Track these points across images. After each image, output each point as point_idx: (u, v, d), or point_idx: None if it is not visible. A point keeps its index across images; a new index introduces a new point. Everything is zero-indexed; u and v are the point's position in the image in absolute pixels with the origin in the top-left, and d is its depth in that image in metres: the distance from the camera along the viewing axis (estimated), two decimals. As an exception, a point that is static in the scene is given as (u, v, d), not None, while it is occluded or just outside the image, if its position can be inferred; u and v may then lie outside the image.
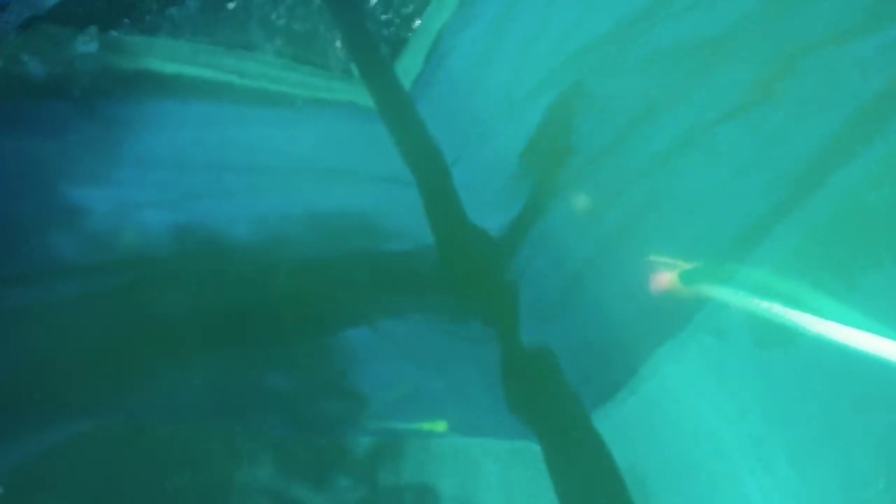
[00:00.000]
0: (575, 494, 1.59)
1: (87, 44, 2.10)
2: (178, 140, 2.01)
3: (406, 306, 1.82)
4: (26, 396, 1.67)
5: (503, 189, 1.90)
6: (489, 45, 2.12)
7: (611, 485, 1.58)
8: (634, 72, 2.03)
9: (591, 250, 1.84)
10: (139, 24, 2.14)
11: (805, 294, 1.69)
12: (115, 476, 1.62)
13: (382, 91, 2.07)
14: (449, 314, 1.81)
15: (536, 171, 1.92)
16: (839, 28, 1.99)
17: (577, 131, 1.97)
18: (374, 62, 2.13)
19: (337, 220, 1.91)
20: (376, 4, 2.17)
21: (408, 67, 2.10)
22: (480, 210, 1.89)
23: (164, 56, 2.11)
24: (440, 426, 1.67)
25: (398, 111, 2.04)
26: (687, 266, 1.76)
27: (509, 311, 1.78)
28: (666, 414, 1.63)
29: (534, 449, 1.62)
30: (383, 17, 2.16)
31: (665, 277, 1.76)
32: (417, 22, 2.15)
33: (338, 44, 2.16)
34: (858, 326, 1.64)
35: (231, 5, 2.17)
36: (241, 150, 2.00)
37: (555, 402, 1.68)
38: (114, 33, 2.12)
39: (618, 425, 1.63)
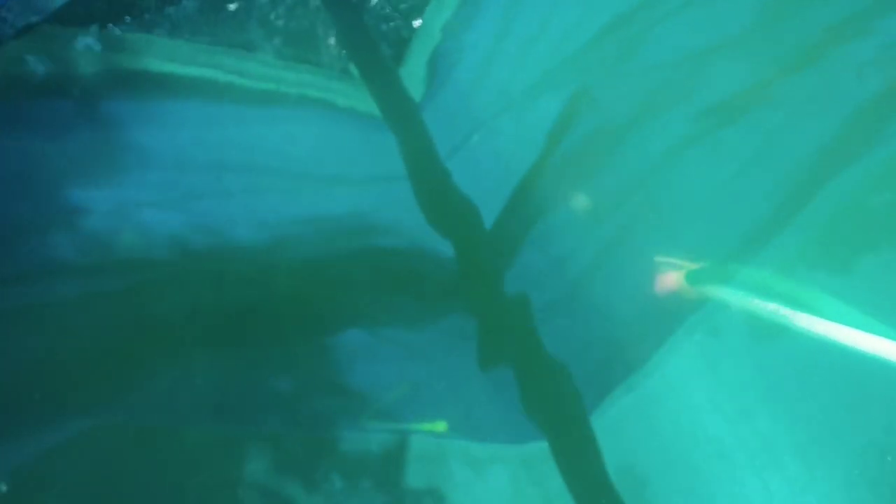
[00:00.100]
0: (576, 493, 1.59)
1: (87, 44, 2.10)
2: (178, 140, 2.01)
3: (406, 307, 1.82)
4: (26, 396, 1.67)
5: (503, 189, 1.90)
6: (490, 46, 2.12)
7: (611, 483, 1.58)
8: (635, 72, 2.03)
9: (592, 250, 1.84)
10: (139, 24, 2.14)
11: (805, 294, 1.70)
12: (115, 476, 1.62)
13: (382, 91, 2.07)
14: (449, 314, 1.81)
15: (537, 172, 1.92)
16: (839, 29, 2.00)
17: (578, 131, 1.97)
18: (373, 62, 2.13)
19: (337, 220, 1.92)
20: (376, 4, 2.17)
21: (408, 67, 2.10)
22: (480, 210, 1.89)
23: (164, 56, 2.11)
24: (440, 426, 1.67)
25: (398, 111, 2.04)
26: (687, 266, 1.76)
27: (509, 312, 1.78)
28: (666, 413, 1.63)
29: (534, 448, 1.62)
30: (383, 17, 2.16)
31: (665, 278, 1.76)
32: (418, 22, 2.15)
33: (337, 44, 2.16)
34: (859, 326, 1.64)
35: (232, 6, 2.17)
36: (241, 150, 2.00)
37: (555, 401, 1.68)
38: (114, 33, 2.12)
39: (618, 424, 1.63)
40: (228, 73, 2.10)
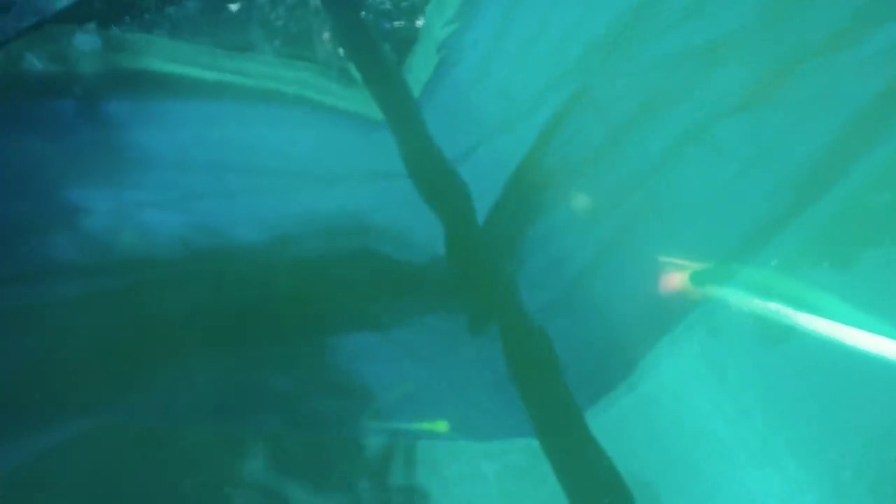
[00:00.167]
0: (576, 493, 1.59)
1: (87, 44, 2.10)
2: (179, 140, 2.01)
3: (406, 306, 1.82)
4: (26, 396, 1.67)
5: (504, 189, 1.90)
6: (490, 45, 2.12)
7: (611, 483, 1.58)
8: (636, 73, 2.03)
9: (592, 251, 1.84)
10: (140, 25, 2.14)
11: (807, 293, 1.70)
12: (115, 476, 1.62)
13: (383, 91, 2.07)
14: (449, 314, 1.81)
15: (537, 172, 1.92)
16: (839, 29, 2.00)
17: (579, 132, 1.97)
18: (374, 62, 2.13)
19: (337, 219, 1.91)
20: (377, 5, 2.17)
21: (408, 68, 2.10)
22: (481, 210, 1.89)
23: (165, 56, 2.11)
24: (440, 426, 1.66)
25: (398, 111, 2.04)
26: (687, 266, 1.76)
27: (509, 311, 1.78)
28: (666, 413, 1.63)
29: (534, 448, 1.62)
30: (384, 17, 2.17)
31: (665, 278, 1.76)
32: (418, 22, 2.15)
33: (338, 44, 2.16)
34: (861, 325, 1.64)
35: (232, 6, 2.17)
36: (242, 151, 2.00)
37: (555, 401, 1.68)
38: (115, 33, 2.12)
39: (618, 425, 1.63)
40: (229, 73, 2.10)
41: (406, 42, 2.13)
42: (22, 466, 1.61)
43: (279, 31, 2.17)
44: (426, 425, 1.66)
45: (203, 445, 1.65)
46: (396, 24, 2.16)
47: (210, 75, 2.09)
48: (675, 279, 1.75)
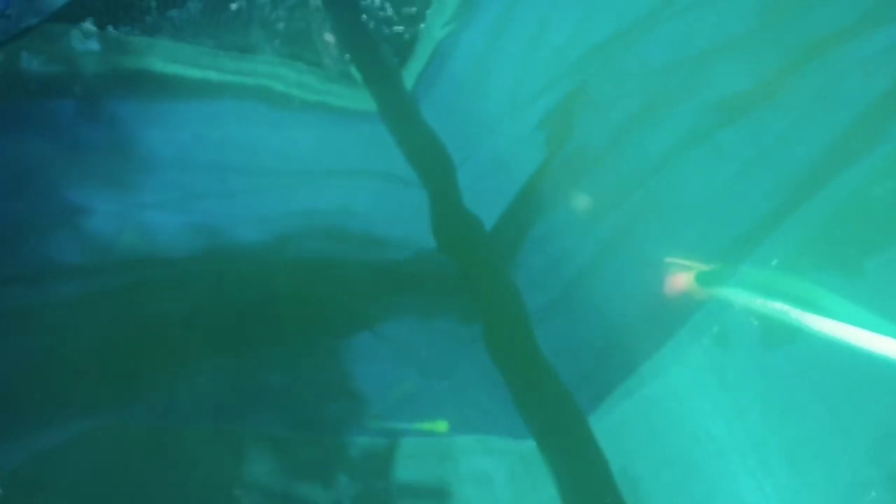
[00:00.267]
0: (575, 493, 1.59)
1: (88, 44, 2.10)
2: (180, 140, 2.01)
3: (406, 307, 1.82)
4: (26, 396, 1.68)
5: (503, 189, 1.90)
6: (491, 46, 2.12)
7: (612, 484, 1.58)
8: (636, 73, 2.03)
9: (592, 251, 1.83)
10: (140, 25, 2.14)
11: (809, 292, 1.69)
12: (115, 476, 1.62)
13: (383, 92, 2.08)
14: (449, 314, 1.81)
15: (537, 172, 1.92)
16: (841, 29, 1.99)
17: (579, 132, 1.97)
18: (374, 63, 2.13)
19: (338, 220, 1.91)
20: (377, 6, 2.18)
21: (409, 68, 2.10)
22: (481, 210, 1.89)
23: (166, 57, 2.11)
24: (441, 426, 1.66)
25: (399, 112, 2.04)
26: (688, 266, 1.76)
27: (509, 312, 1.78)
28: (666, 414, 1.63)
29: (533, 448, 1.62)
30: (384, 18, 2.17)
31: (665, 278, 1.76)
32: (418, 23, 2.15)
33: (338, 45, 2.16)
34: (864, 325, 1.64)
35: (233, 6, 2.17)
36: (243, 151, 2.00)
37: (555, 402, 1.68)
38: (115, 34, 2.12)
39: (618, 425, 1.63)
40: (230, 73, 2.10)
41: (406, 42, 2.14)
42: (22, 466, 1.61)
43: (280, 31, 2.17)
44: (426, 425, 1.66)
45: (203, 445, 1.65)
46: (396, 24, 2.16)
47: (211, 76, 2.09)
48: (676, 279, 1.75)
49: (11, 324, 1.77)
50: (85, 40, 2.11)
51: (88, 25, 2.12)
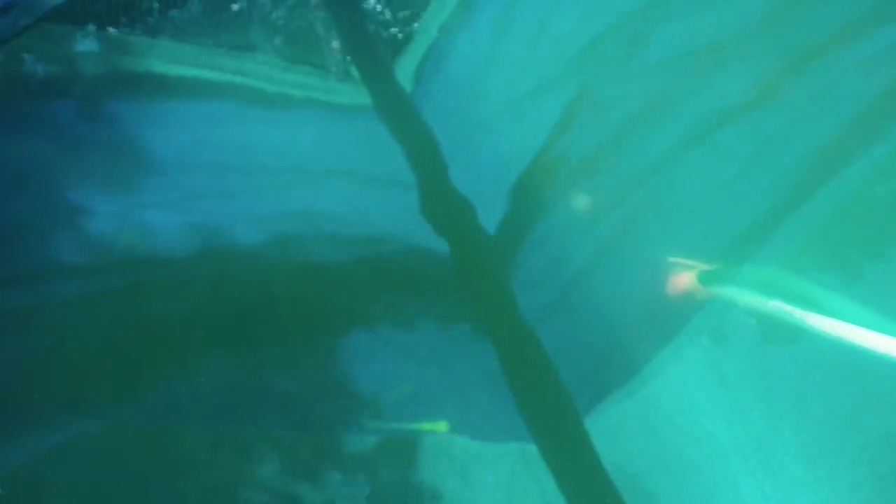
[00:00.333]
0: (574, 492, 1.59)
1: (88, 44, 2.11)
2: (180, 140, 2.01)
3: (406, 307, 1.82)
4: (26, 396, 1.68)
5: (503, 189, 1.90)
6: (491, 47, 2.12)
7: (612, 484, 1.58)
8: (636, 73, 2.03)
9: (592, 251, 1.84)
10: (141, 25, 2.14)
11: (809, 291, 1.69)
12: (115, 476, 1.62)
13: (382, 92, 2.07)
14: (449, 314, 1.81)
15: (537, 172, 1.92)
16: (841, 29, 2.00)
17: (578, 132, 1.97)
18: (374, 62, 2.13)
19: (337, 220, 1.91)
20: (376, 5, 2.18)
21: (408, 68, 2.10)
22: (480, 210, 1.89)
23: (166, 57, 2.11)
24: (440, 426, 1.66)
25: (398, 112, 2.04)
26: (688, 266, 1.76)
27: (509, 312, 1.78)
28: (666, 414, 1.63)
29: (533, 448, 1.62)
30: (383, 17, 2.17)
31: (665, 278, 1.76)
32: (417, 24, 2.15)
33: (338, 45, 2.16)
34: (864, 323, 1.64)
35: (234, 7, 2.17)
36: (243, 151, 2.00)
37: (555, 402, 1.68)
38: (115, 34, 2.12)
39: (618, 424, 1.63)
40: (230, 74, 2.10)
41: (406, 43, 2.14)
42: (22, 466, 1.62)
43: (281, 31, 2.17)
44: (426, 426, 1.66)
45: (203, 445, 1.65)
46: (395, 24, 2.16)
47: (211, 76, 2.10)
48: (676, 279, 1.75)
49: (11, 324, 1.77)
50: (85, 41, 2.11)
51: (89, 26, 2.12)
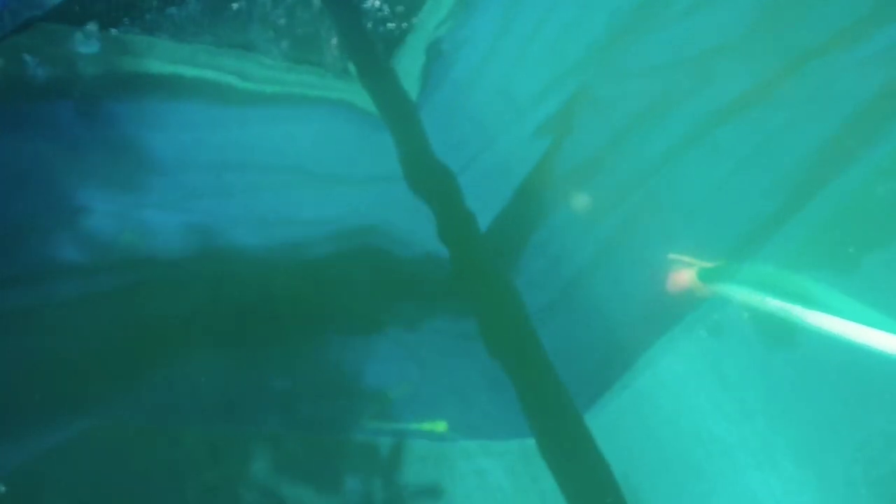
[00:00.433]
0: (573, 490, 1.59)
1: (88, 44, 2.10)
2: (179, 140, 2.01)
3: (406, 307, 1.82)
4: (26, 396, 1.68)
5: (503, 189, 1.90)
6: (489, 45, 2.12)
7: (612, 483, 1.58)
8: (636, 73, 2.03)
9: (592, 251, 1.84)
10: (140, 23, 2.14)
11: (808, 290, 1.70)
12: (115, 476, 1.62)
13: (382, 91, 2.07)
14: (449, 314, 1.81)
15: (537, 172, 1.92)
16: (840, 29, 2.00)
17: (579, 132, 1.97)
18: (373, 62, 2.13)
19: (336, 220, 1.91)
20: (375, 5, 2.17)
21: (407, 68, 2.10)
22: (481, 211, 1.89)
23: (165, 57, 2.11)
24: (440, 426, 1.67)
25: (397, 111, 2.04)
26: (687, 265, 1.76)
27: (509, 312, 1.78)
28: (666, 413, 1.63)
29: (534, 448, 1.62)
30: (382, 17, 2.17)
31: (665, 277, 1.76)
32: (416, 24, 2.15)
33: (337, 44, 2.16)
34: (863, 321, 1.64)
35: (234, 5, 2.17)
36: (242, 150, 2.00)
37: (555, 402, 1.68)
38: (115, 34, 2.12)
39: (618, 424, 1.63)
40: (229, 73, 2.10)
41: (405, 42, 2.14)
42: (22, 466, 1.62)
43: (280, 31, 2.17)
44: (426, 425, 1.67)
45: (203, 445, 1.65)
46: (395, 24, 2.16)
47: (211, 76, 2.09)
48: (675, 279, 1.75)
49: (11, 324, 1.77)
50: (85, 41, 2.11)
51: (89, 26, 2.12)
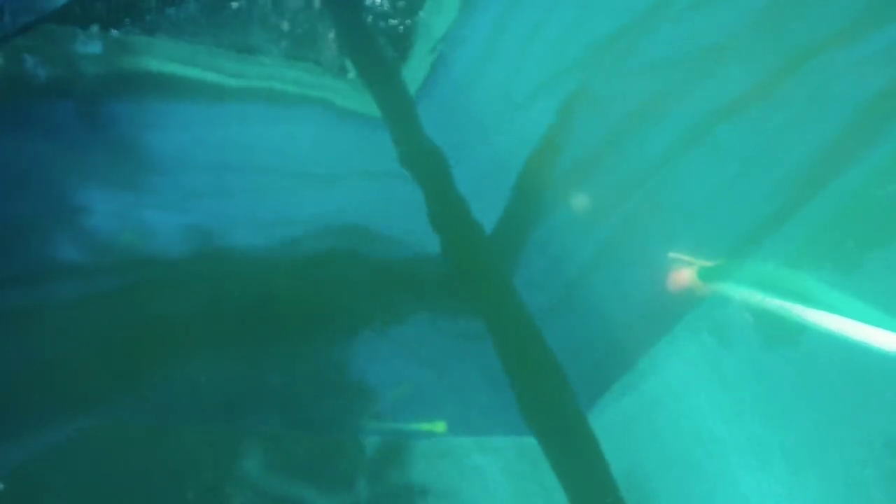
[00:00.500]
0: (574, 491, 1.59)
1: (88, 45, 2.11)
2: (179, 140, 2.01)
3: (406, 306, 1.82)
4: (26, 396, 1.68)
5: (503, 189, 1.90)
6: (488, 44, 2.12)
7: (612, 483, 1.58)
8: (635, 73, 2.03)
9: (592, 250, 1.84)
10: (140, 23, 2.14)
11: (809, 290, 1.69)
12: (115, 476, 1.62)
13: (382, 91, 2.08)
14: (449, 314, 1.81)
15: (537, 172, 1.92)
16: (839, 29, 2.00)
17: (578, 132, 1.97)
18: (372, 62, 2.14)
19: (337, 220, 1.91)
20: (376, 5, 2.18)
21: (406, 67, 2.10)
22: (481, 210, 1.89)
23: (165, 57, 2.11)
24: (440, 426, 1.66)
25: (397, 111, 2.05)
26: (687, 265, 1.76)
27: (509, 312, 1.78)
28: (665, 412, 1.63)
29: (534, 448, 1.62)
30: (382, 16, 2.17)
31: (665, 277, 1.76)
32: (417, 22, 2.15)
33: (337, 43, 2.16)
34: (864, 321, 1.64)
35: (234, 5, 2.17)
36: (242, 150, 2.00)
37: (554, 401, 1.68)
38: (115, 33, 2.12)
39: (617, 424, 1.63)
40: (229, 73, 2.10)
41: (405, 41, 2.14)
42: (23, 465, 1.61)
43: (281, 30, 2.17)
44: (425, 425, 1.66)
45: (203, 445, 1.65)
46: (394, 23, 2.16)
47: (210, 76, 2.09)
48: (675, 278, 1.75)
49: (11, 324, 1.77)
50: (85, 41, 2.11)
51: (90, 27, 2.12)
